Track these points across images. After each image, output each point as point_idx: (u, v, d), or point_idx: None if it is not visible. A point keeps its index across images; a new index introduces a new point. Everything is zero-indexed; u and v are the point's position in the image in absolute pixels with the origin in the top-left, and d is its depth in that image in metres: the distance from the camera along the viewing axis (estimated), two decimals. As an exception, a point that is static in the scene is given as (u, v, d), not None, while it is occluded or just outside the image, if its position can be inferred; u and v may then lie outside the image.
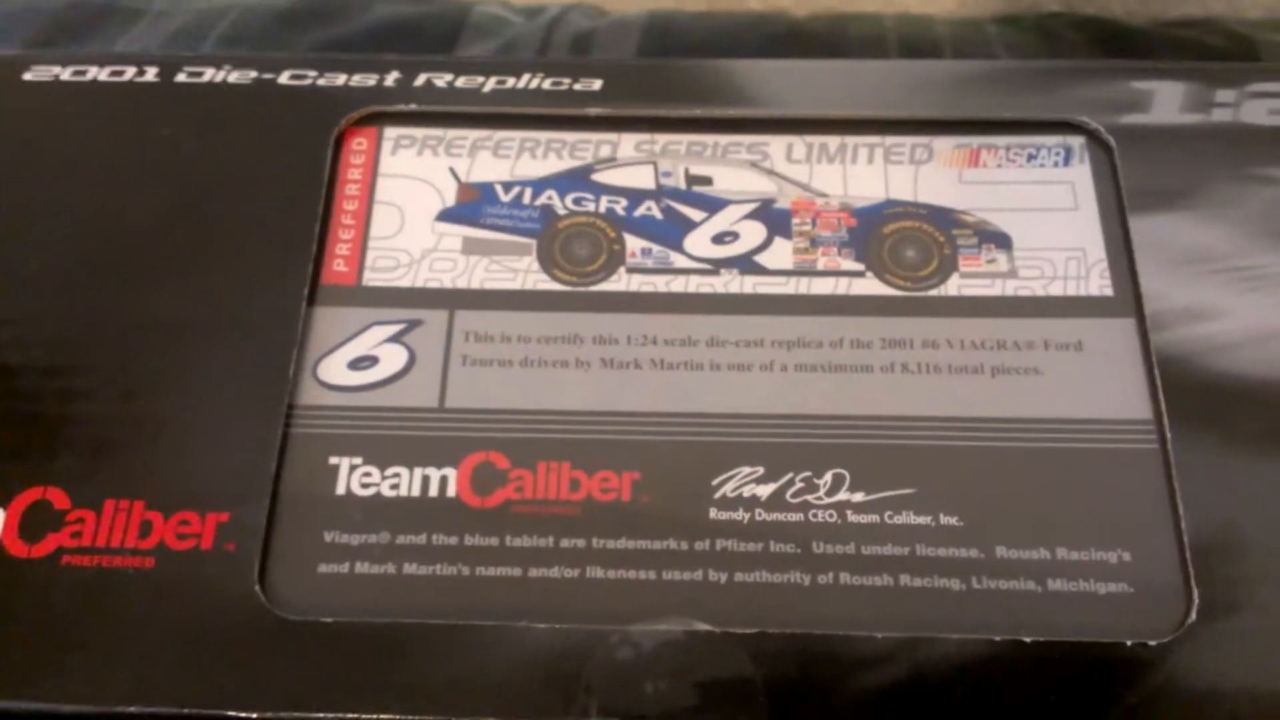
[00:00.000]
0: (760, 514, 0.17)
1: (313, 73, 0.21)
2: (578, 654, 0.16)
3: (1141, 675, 0.15)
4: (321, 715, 0.16)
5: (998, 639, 0.16)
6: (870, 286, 0.19)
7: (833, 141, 0.20)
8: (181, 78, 0.21)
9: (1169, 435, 0.17)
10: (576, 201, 0.20)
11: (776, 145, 0.20)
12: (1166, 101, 0.20)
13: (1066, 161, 0.20)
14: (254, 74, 0.21)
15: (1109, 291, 0.19)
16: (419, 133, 0.21)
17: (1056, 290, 0.19)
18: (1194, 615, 0.16)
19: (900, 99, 0.21)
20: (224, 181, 0.20)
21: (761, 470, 0.17)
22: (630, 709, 0.15)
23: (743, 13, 0.36)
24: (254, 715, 0.16)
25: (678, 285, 0.19)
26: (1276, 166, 0.19)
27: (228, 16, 0.33)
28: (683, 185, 0.20)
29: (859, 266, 0.19)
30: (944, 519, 0.17)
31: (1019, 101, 0.21)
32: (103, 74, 0.21)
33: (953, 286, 0.19)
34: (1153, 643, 0.16)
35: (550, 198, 0.20)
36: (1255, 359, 0.18)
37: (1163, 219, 0.19)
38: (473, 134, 0.21)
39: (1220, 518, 0.16)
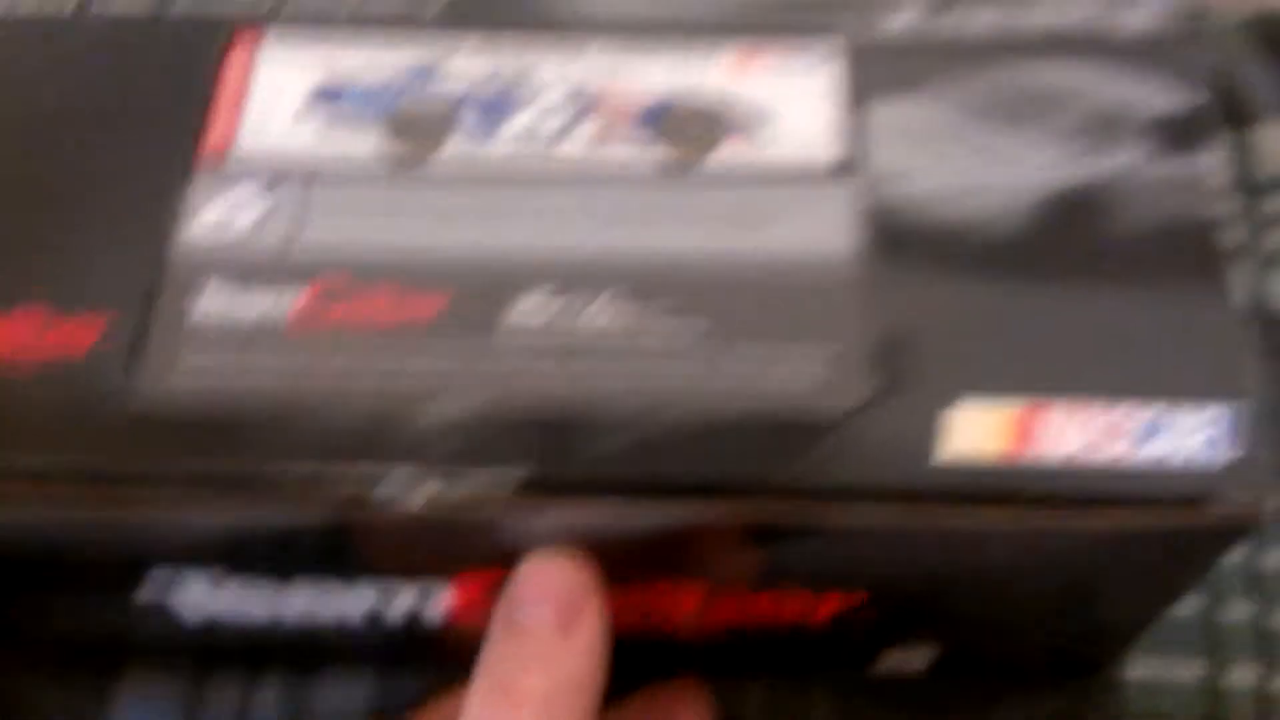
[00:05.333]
0: (545, 326, 0.21)
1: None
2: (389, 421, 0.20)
3: (824, 434, 0.20)
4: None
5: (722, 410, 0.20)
6: (652, 155, 0.23)
7: (639, 41, 0.25)
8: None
9: (875, 264, 0.21)
10: (422, 88, 0.24)
11: (592, 45, 0.24)
12: (903, 15, 0.24)
13: (821, 61, 0.24)
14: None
15: (834, 157, 0.23)
16: (295, 34, 0.25)
17: (806, 159, 0.23)
18: (870, 394, 0.20)
19: (698, 5, 0.25)
20: (114, 79, 0.24)
21: (551, 289, 0.21)
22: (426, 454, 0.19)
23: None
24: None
25: (497, 156, 0.23)
26: (985, 66, 0.24)
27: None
28: (510, 77, 0.24)
29: (645, 141, 0.23)
30: (691, 321, 0.21)
31: (790, 14, 0.25)
32: None
33: (720, 155, 0.23)
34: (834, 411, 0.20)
35: (400, 86, 0.24)
36: (952, 206, 0.22)
37: (888, 102, 0.23)
38: (339, 34, 0.25)
39: (906, 324, 0.21)
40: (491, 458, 0.19)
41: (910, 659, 0.27)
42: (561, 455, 0.19)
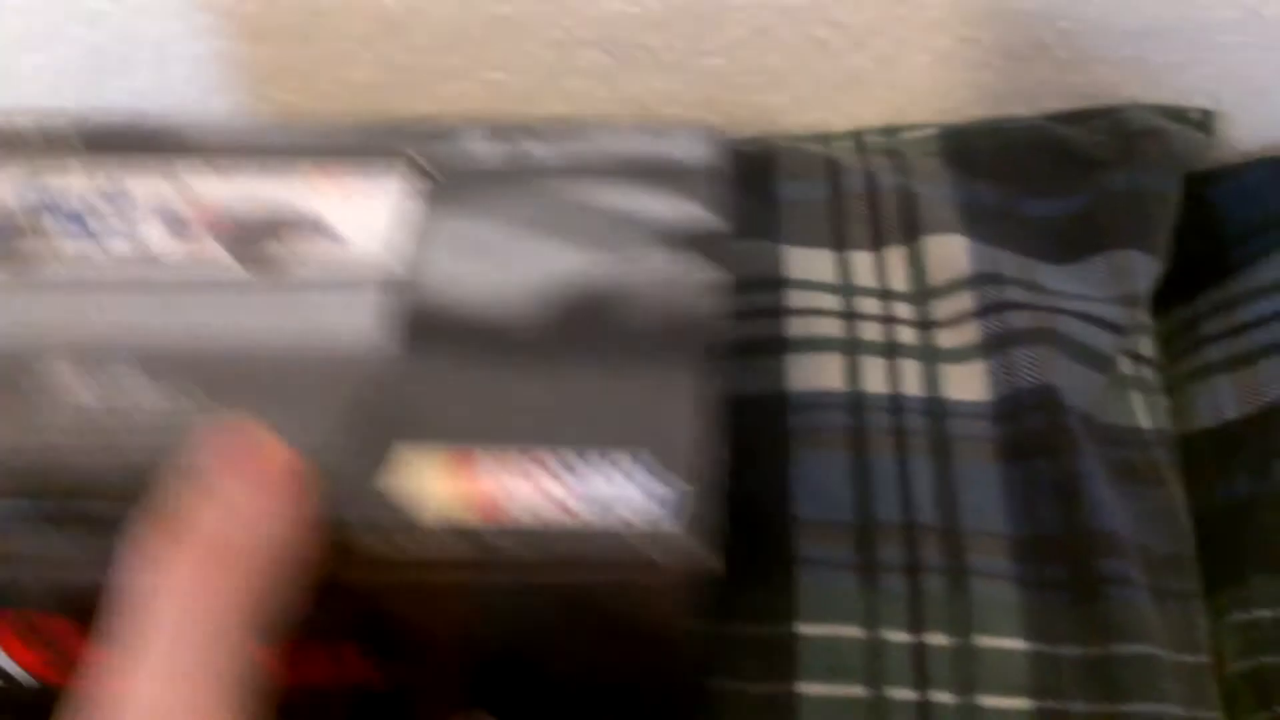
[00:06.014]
0: (75, 396, 0.24)
1: None
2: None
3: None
4: None
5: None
6: (224, 259, 0.26)
7: (230, 165, 0.28)
8: None
9: (397, 350, 0.25)
10: (23, 199, 0.28)
11: (187, 168, 0.28)
12: (475, 143, 0.29)
13: (396, 182, 0.28)
14: None
15: (389, 262, 0.26)
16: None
17: (363, 262, 0.26)
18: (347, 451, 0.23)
19: (286, 135, 0.29)
20: None
21: (79, 366, 0.24)
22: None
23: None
24: None
25: (81, 255, 0.26)
26: (539, 185, 0.28)
27: None
28: (107, 191, 0.28)
29: (221, 246, 0.27)
30: (211, 402, 0.24)
31: (370, 142, 0.29)
32: None
33: (287, 259, 0.26)
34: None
35: (5, 196, 0.28)
36: (478, 301, 0.25)
37: (447, 215, 0.27)
38: None
39: (404, 398, 0.24)
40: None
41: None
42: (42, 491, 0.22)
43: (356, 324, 0.25)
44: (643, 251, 0.26)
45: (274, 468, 0.22)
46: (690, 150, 0.29)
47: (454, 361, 0.24)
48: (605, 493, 0.22)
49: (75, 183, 0.28)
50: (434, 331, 0.25)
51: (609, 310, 0.25)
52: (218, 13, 0.44)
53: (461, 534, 0.21)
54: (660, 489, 0.22)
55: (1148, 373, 0.41)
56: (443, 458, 0.22)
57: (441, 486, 0.22)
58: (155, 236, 0.27)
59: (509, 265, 0.26)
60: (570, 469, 0.22)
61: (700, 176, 0.28)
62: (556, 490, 0.22)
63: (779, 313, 0.40)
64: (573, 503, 0.22)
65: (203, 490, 0.21)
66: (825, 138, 0.46)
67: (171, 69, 0.45)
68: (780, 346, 0.39)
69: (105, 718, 0.20)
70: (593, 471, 0.22)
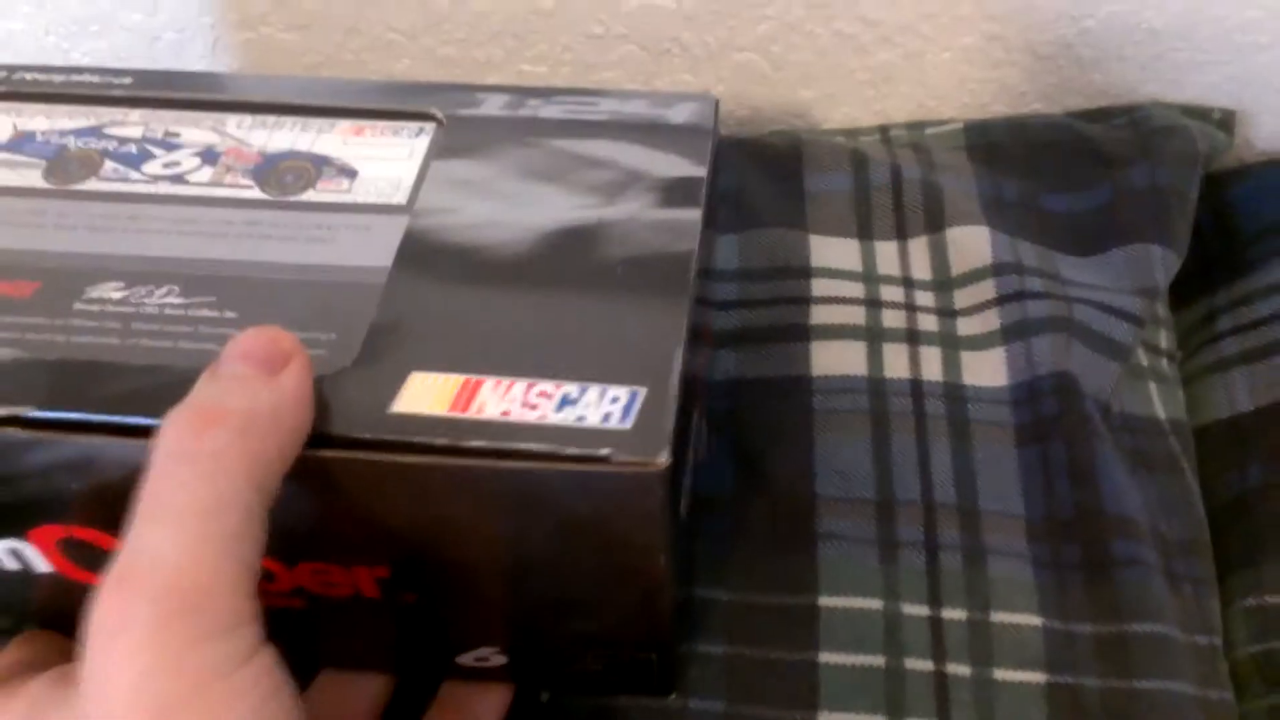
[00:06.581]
0: (110, 307, 0.26)
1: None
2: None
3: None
4: None
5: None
6: (253, 193, 0.29)
7: (270, 118, 0.31)
8: None
9: (397, 274, 0.27)
10: (84, 141, 0.30)
11: (232, 119, 0.31)
12: (492, 103, 0.31)
13: (417, 135, 0.31)
14: None
15: (401, 200, 0.29)
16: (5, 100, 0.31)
17: (377, 200, 0.29)
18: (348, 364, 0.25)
19: (327, 91, 0.32)
20: None
21: (123, 282, 0.27)
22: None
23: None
24: None
25: (129, 187, 0.29)
26: (543, 139, 0.30)
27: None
28: (159, 136, 0.30)
29: (251, 183, 0.29)
30: (227, 314, 0.26)
31: (401, 101, 0.32)
32: None
33: (309, 195, 0.29)
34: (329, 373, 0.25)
35: (69, 139, 0.30)
36: (473, 234, 0.27)
37: (456, 162, 0.29)
38: (36, 106, 0.31)
39: (403, 317, 0.26)
40: (12, 396, 0.24)
41: (486, 658, 0.30)
42: (75, 396, 0.24)
43: (370, 250, 0.27)
44: (634, 196, 0.28)
45: (282, 349, 0.24)
46: (686, 114, 0.31)
47: (450, 287, 0.26)
48: (571, 398, 0.24)
49: (127, 127, 0.31)
50: (432, 258, 0.27)
51: (600, 245, 0.27)
52: (268, 2, 0.45)
53: (430, 420, 0.23)
54: (621, 393, 0.24)
55: (1165, 365, 0.41)
56: (440, 378, 0.24)
57: (436, 397, 0.24)
58: (194, 173, 0.30)
59: (503, 204, 0.28)
60: (548, 382, 0.24)
61: (688, 133, 0.30)
62: (535, 397, 0.24)
63: (805, 300, 0.41)
64: (537, 401, 0.24)
65: (219, 371, 0.23)
66: (853, 132, 0.47)
67: (221, 58, 0.47)
68: (805, 332, 0.40)
69: (122, 569, 0.21)
70: (566, 384, 0.24)
